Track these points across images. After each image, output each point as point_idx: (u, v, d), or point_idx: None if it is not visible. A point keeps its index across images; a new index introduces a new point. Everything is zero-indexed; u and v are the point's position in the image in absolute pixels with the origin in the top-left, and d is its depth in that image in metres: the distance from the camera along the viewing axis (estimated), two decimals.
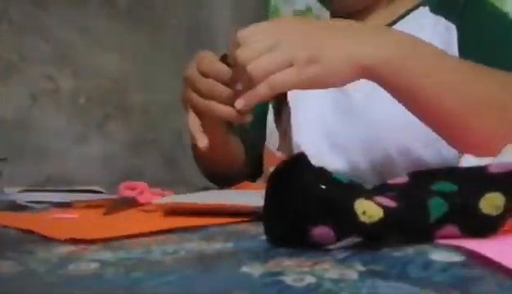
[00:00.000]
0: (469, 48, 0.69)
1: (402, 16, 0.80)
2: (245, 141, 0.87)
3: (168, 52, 1.52)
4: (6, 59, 1.19)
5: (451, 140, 0.56)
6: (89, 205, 0.60)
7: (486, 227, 0.32)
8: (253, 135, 0.87)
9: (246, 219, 0.43)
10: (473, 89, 0.52)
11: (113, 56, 1.38)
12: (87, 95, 1.33)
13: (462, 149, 0.54)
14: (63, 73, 1.29)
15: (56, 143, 1.26)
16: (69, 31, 1.30)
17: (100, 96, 1.36)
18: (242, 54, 0.49)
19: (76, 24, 1.31)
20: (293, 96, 0.52)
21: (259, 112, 0.87)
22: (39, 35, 1.24)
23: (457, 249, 0.28)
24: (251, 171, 0.89)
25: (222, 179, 0.88)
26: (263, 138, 0.86)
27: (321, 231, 0.31)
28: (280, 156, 0.76)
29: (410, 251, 0.29)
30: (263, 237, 0.34)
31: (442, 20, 0.74)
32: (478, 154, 0.47)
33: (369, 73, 0.50)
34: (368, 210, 0.30)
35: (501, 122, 0.52)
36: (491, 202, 0.32)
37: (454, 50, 0.70)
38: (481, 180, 0.34)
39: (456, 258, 0.27)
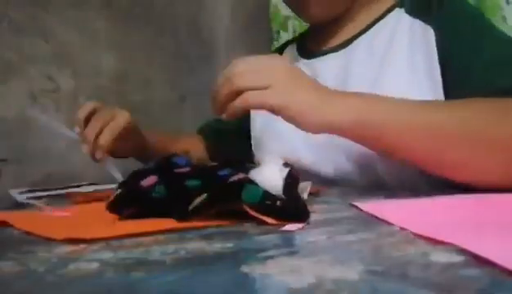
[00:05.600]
0: (448, 50, 0.69)
1: (378, 19, 0.80)
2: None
3: (168, 52, 1.52)
4: (6, 59, 1.19)
5: (434, 173, 0.58)
6: (90, 198, 0.60)
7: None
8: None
9: (246, 219, 0.43)
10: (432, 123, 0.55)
11: (113, 56, 1.38)
12: (87, 95, 1.33)
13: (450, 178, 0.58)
14: (63, 73, 1.29)
15: (56, 143, 1.26)
16: (69, 31, 1.30)
17: (100, 96, 1.36)
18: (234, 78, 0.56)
19: (76, 24, 1.31)
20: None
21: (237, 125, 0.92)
22: (39, 35, 1.24)
23: (457, 249, 0.28)
24: None
25: None
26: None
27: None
28: None
29: (410, 251, 0.29)
30: (263, 237, 0.34)
31: (419, 23, 0.73)
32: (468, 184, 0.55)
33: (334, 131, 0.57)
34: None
35: (476, 154, 0.54)
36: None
37: (433, 52, 0.69)
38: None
39: (456, 258, 0.27)
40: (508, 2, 1.26)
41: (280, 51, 1.00)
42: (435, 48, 0.70)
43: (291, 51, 0.96)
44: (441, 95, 0.68)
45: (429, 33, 0.71)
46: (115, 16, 1.39)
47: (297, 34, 1.13)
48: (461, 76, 0.66)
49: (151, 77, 1.48)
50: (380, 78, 0.74)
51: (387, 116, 0.55)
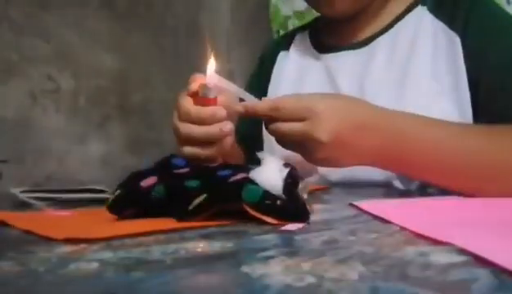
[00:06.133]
0: (477, 58, 0.67)
1: (399, 18, 0.78)
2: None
3: (168, 52, 1.52)
4: (6, 59, 1.19)
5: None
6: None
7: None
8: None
9: (246, 219, 0.43)
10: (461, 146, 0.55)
11: (113, 56, 1.38)
12: (87, 95, 1.33)
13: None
14: (63, 73, 1.29)
15: (56, 143, 1.26)
16: (69, 31, 1.30)
17: (100, 96, 1.36)
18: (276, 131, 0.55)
19: (76, 24, 1.31)
20: None
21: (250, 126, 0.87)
22: (39, 35, 1.24)
23: (457, 249, 0.28)
24: None
25: None
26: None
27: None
28: None
29: (410, 251, 0.29)
30: (263, 237, 0.34)
31: (443, 28, 0.72)
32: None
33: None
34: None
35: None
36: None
37: (459, 61, 0.68)
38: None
39: (456, 258, 0.27)
40: (508, 2, 1.26)
41: (289, 37, 0.95)
42: (462, 60, 0.68)
43: (303, 41, 0.92)
44: (465, 103, 0.67)
45: (455, 42, 0.69)
46: (115, 16, 1.39)
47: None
48: (495, 93, 0.66)
49: (151, 77, 1.48)
50: (404, 81, 0.72)
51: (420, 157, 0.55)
